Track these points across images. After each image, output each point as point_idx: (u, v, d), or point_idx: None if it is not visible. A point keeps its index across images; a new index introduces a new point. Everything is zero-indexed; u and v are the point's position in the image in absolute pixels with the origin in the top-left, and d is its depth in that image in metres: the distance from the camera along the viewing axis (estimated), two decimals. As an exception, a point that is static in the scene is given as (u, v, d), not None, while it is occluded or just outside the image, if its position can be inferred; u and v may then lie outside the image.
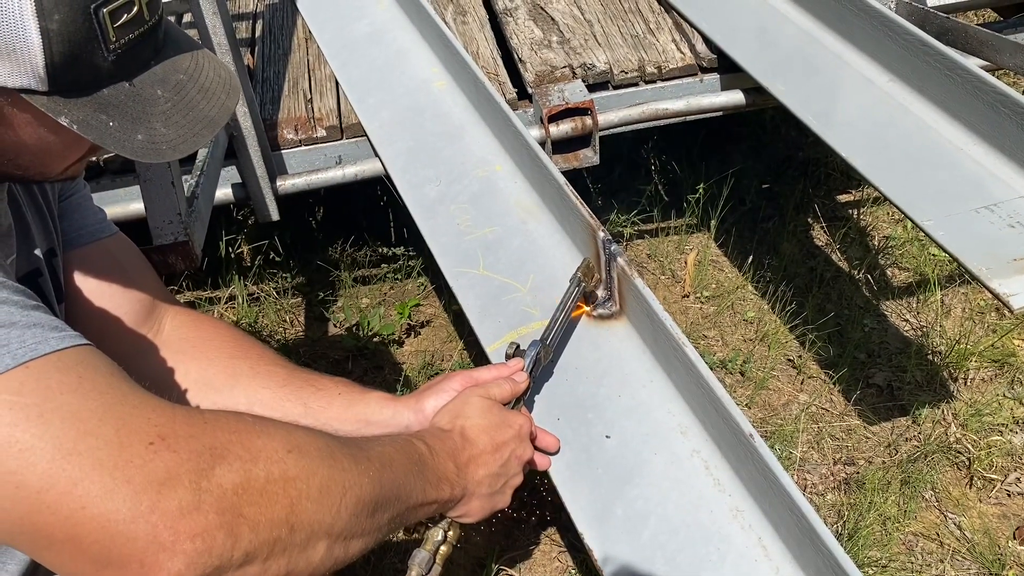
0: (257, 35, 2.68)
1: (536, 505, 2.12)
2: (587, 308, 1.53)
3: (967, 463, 2.19)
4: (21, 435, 0.74)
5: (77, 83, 0.85)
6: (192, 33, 1.96)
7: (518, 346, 1.36)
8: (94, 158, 1.02)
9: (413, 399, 1.26)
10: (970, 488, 2.15)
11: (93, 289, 1.19)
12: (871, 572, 1.96)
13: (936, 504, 2.12)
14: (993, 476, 2.16)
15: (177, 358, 1.24)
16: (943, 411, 2.31)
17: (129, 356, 1.18)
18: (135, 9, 0.86)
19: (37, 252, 1.08)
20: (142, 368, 1.19)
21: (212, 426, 0.83)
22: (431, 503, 1.07)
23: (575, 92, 2.25)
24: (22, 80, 0.82)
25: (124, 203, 2.05)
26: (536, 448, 1.31)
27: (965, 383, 2.40)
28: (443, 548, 1.15)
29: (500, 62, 2.44)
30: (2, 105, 0.85)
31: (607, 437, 1.37)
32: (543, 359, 1.37)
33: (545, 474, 1.33)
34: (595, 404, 1.42)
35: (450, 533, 1.16)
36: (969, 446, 2.21)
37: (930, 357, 2.46)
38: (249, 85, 2.19)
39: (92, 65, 0.85)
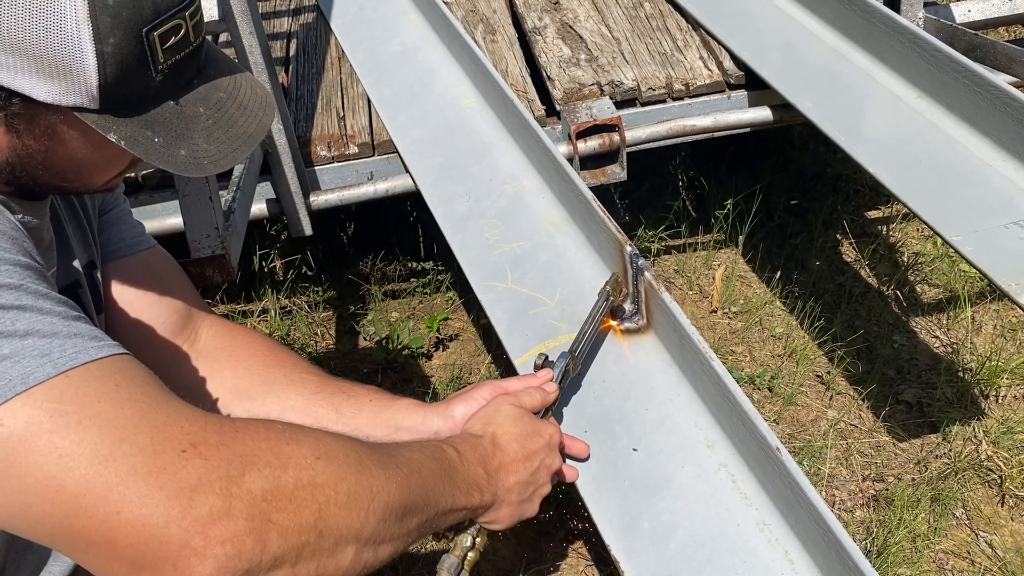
0: (292, 54, 2.72)
1: (564, 518, 2.12)
2: (614, 323, 1.54)
3: (999, 481, 2.16)
4: (61, 441, 0.76)
5: (126, 102, 0.89)
6: (230, 52, 2.00)
7: (547, 357, 1.37)
8: (132, 173, 1.06)
9: (443, 405, 1.28)
10: (1002, 506, 2.13)
11: (131, 300, 1.22)
12: (901, 590, 1.95)
13: (967, 522, 2.10)
14: (1025, 495, 2.14)
15: (212, 367, 1.27)
16: (974, 428, 2.29)
17: (166, 365, 1.21)
18: (182, 32, 0.90)
19: (76, 264, 1.11)
20: (178, 376, 1.23)
21: (242, 434, 0.84)
22: (461, 509, 1.08)
23: (603, 109, 2.27)
24: (76, 99, 0.86)
25: (161, 218, 2.10)
26: (567, 455, 1.31)
27: (996, 400, 2.38)
28: (471, 554, 1.16)
29: (529, 80, 2.46)
30: (54, 122, 0.89)
31: (634, 450, 1.37)
32: (571, 371, 1.38)
33: (573, 486, 1.34)
34: (622, 417, 1.42)
35: (478, 539, 1.16)
36: (1000, 464, 2.19)
37: (960, 374, 2.44)
38: (284, 103, 2.23)
39: (141, 85, 0.89)
